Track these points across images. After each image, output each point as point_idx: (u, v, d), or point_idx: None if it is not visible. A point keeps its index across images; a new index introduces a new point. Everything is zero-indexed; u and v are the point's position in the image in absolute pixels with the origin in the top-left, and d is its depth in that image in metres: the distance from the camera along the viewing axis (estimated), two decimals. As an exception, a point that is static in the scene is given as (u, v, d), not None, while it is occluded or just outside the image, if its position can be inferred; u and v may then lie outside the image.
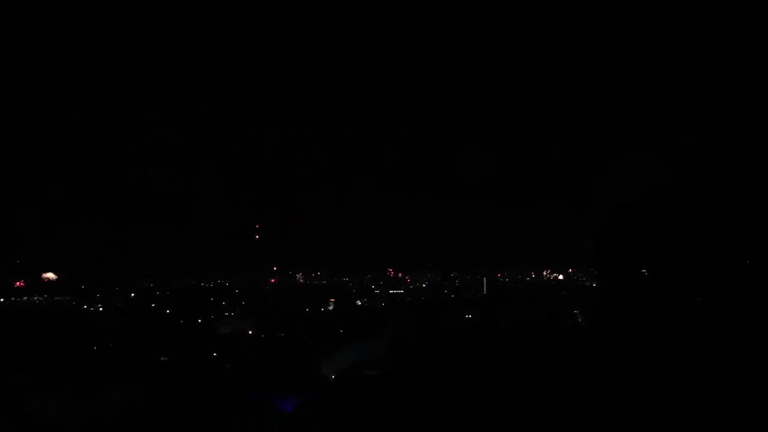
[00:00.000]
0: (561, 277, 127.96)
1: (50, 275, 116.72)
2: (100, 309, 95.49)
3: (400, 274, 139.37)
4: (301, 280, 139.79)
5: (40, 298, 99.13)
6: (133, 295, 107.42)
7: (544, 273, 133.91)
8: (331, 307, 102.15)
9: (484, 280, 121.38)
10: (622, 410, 13.58)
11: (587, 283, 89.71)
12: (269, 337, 66.55)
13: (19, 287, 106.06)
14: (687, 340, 13.75)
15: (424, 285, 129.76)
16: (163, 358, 37.37)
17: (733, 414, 12.08)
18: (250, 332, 73.75)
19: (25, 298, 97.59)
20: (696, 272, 14.34)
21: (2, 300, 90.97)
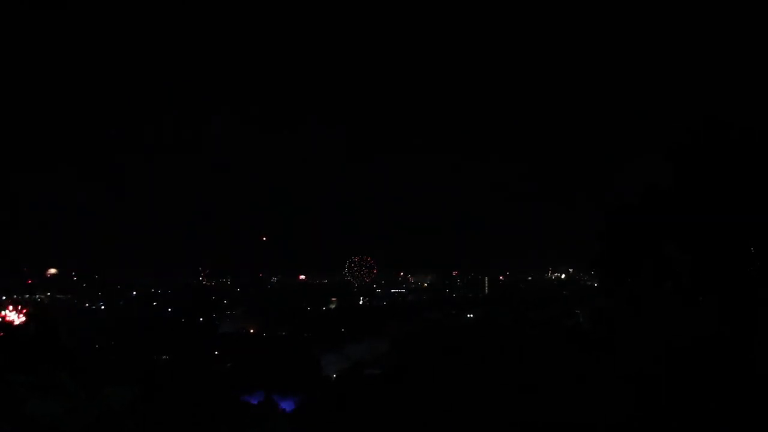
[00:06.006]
0: (563, 276, 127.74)
1: (53, 271, 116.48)
2: (102, 307, 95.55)
3: (401, 274, 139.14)
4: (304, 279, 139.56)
5: (42, 296, 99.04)
6: (135, 293, 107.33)
7: (548, 274, 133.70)
8: (333, 306, 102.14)
9: (486, 280, 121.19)
10: (624, 410, 13.57)
11: (588, 283, 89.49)
12: (271, 336, 66.62)
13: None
14: (689, 340, 13.72)
15: (425, 285, 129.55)
16: (164, 357, 37.44)
17: (735, 413, 12.06)
18: (252, 331, 73.84)
19: (27, 296, 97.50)
20: (697, 272, 14.29)
21: (4, 298, 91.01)
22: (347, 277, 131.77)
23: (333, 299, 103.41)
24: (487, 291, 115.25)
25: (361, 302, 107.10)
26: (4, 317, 52.12)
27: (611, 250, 15.14)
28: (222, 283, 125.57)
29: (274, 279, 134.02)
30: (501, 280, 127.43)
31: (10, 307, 54.87)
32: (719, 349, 12.94)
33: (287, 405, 29.36)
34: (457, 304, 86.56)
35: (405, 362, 23.79)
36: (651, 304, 14.64)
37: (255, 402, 28.39)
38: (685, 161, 14.06)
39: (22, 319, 51.47)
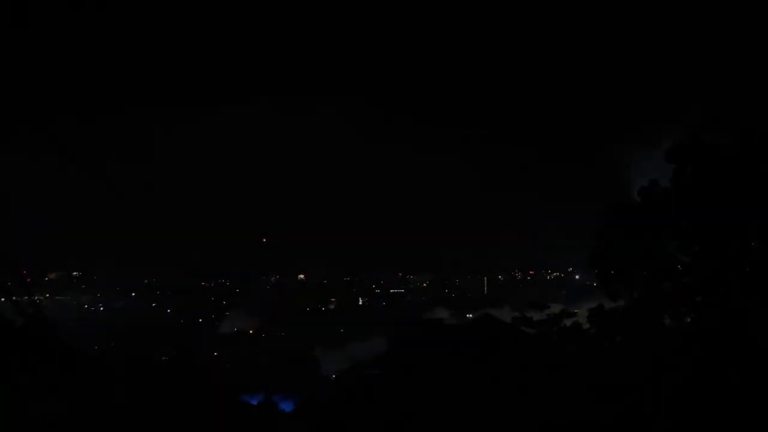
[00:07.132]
0: (563, 276, 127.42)
1: (53, 275, 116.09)
2: (101, 308, 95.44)
3: (401, 274, 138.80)
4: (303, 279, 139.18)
5: (41, 297, 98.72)
6: (134, 293, 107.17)
7: (548, 274, 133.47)
8: (332, 307, 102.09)
9: (485, 280, 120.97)
10: (623, 409, 13.58)
11: (588, 283, 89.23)
12: (271, 336, 66.67)
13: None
14: (688, 339, 13.74)
15: (425, 285, 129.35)
16: (164, 357, 37.37)
17: (734, 412, 12.06)
18: (252, 331, 73.89)
19: (26, 297, 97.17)
20: (697, 272, 14.30)
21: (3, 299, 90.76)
22: (346, 277, 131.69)
23: (332, 299, 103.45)
24: (486, 291, 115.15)
25: (360, 302, 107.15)
26: None
27: (611, 250, 15.14)
28: (222, 283, 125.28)
29: (274, 279, 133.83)
30: (500, 280, 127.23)
31: None
32: (719, 348, 12.94)
33: (287, 405, 29.39)
34: (456, 304, 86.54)
35: (405, 362, 23.77)
36: (650, 303, 14.64)
37: (255, 402, 28.41)
38: (685, 161, 14.06)
39: None
